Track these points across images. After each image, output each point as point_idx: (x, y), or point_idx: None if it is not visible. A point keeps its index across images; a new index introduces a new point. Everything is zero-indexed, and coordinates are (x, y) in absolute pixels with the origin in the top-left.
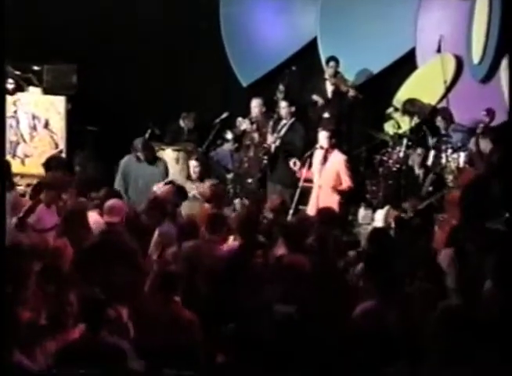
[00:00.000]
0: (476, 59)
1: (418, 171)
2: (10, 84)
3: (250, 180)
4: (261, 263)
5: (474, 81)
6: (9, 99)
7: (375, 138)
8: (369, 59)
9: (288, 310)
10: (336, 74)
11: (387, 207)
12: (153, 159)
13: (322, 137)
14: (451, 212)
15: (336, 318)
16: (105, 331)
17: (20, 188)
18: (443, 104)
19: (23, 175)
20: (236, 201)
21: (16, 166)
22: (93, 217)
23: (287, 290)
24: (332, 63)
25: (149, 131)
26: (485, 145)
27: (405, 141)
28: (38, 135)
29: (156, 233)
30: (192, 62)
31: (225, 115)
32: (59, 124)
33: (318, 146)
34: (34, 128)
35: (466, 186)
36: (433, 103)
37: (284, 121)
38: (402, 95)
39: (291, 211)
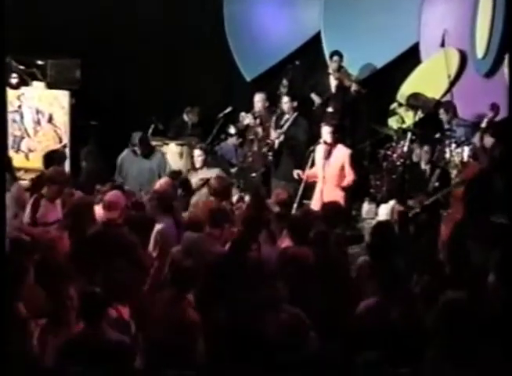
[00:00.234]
0: (480, 53)
1: (424, 166)
2: (14, 79)
3: (253, 174)
4: (256, 258)
5: (478, 75)
6: (13, 93)
7: (379, 132)
8: (373, 53)
9: (295, 311)
10: (339, 68)
11: (392, 202)
12: (149, 153)
13: (326, 132)
14: (455, 207)
15: (339, 313)
16: (105, 327)
17: (24, 182)
18: (447, 99)
19: (27, 170)
20: (237, 195)
21: (20, 160)
22: (98, 211)
23: (292, 283)
24: (336, 58)
25: (152, 125)
26: (489, 139)
27: (409, 135)
28: (42, 130)
29: (155, 230)
30: (195, 57)
31: (228, 110)
32: (62, 119)
33: (321, 140)
34: (38, 122)
35: (470, 180)
36: (437, 97)
37: (287, 116)
38: (405, 90)
39: (295, 206)
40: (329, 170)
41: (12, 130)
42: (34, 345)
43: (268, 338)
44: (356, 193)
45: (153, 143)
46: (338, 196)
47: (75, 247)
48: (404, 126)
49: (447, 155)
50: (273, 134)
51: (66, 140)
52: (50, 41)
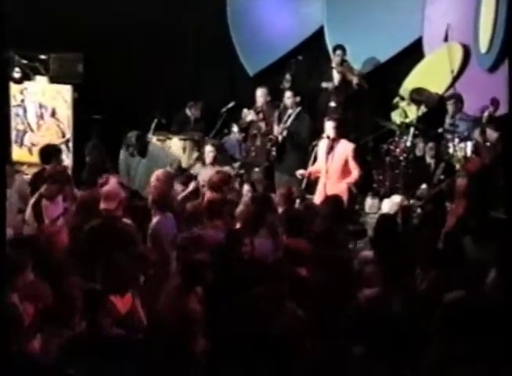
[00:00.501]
0: (483, 48)
1: (430, 160)
2: (17, 73)
3: (257, 169)
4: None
5: (482, 70)
6: (16, 87)
7: (382, 127)
8: (376, 47)
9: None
10: (342, 62)
11: (395, 197)
12: (145, 151)
13: (329, 127)
14: (457, 201)
15: (340, 308)
16: (105, 323)
17: (27, 177)
18: (449, 94)
19: (30, 164)
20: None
21: (23, 155)
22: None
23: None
24: (339, 52)
25: (155, 120)
26: (492, 133)
27: (412, 130)
28: (45, 124)
29: (151, 225)
30: (198, 51)
31: (231, 104)
32: (65, 113)
33: (324, 135)
34: (41, 116)
35: (472, 175)
36: (440, 92)
37: (290, 111)
38: (409, 85)
39: (298, 201)
40: (333, 165)
41: (16, 124)
42: (32, 343)
43: (270, 335)
44: (359, 187)
45: (156, 138)
46: (342, 190)
47: (74, 241)
48: (407, 121)
49: (450, 150)
50: (276, 129)
51: (69, 134)
52: (56, 31)
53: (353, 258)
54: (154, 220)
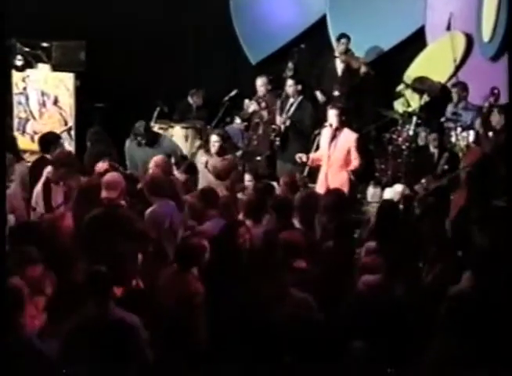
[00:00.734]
0: (486, 37)
1: (433, 149)
2: (19, 61)
3: (259, 158)
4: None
5: (484, 59)
6: (19, 75)
7: (384, 116)
8: (379, 36)
9: (303, 295)
10: (346, 51)
11: (397, 186)
12: (154, 141)
13: (332, 115)
14: (459, 192)
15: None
16: (113, 306)
17: (29, 165)
18: (453, 82)
19: (32, 152)
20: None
21: (25, 143)
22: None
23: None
24: (343, 40)
25: (158, 108)
26: (496, 119)
27: (414, 119)
28: (48, 112)
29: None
30: (201, 39)
31: (234, 93)
32: (68, 101)
33: (327, 124)
34: (44, 104)
35: (473, 165)
36: (443, 80)
37: (292, 100)
38: (411, 74)
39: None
40: (335, 153)
41: (18, 112)
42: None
43: (275, 324)
44: (361, 176)
45: (158, 126)
46: (343, 179)
47: (77, 229)
48: (409, 110)
49: (453, 139)
50: (279, 119)
51: (71, 122)
52: (58, 18)
53: (355, 248)
54: (153, 206)
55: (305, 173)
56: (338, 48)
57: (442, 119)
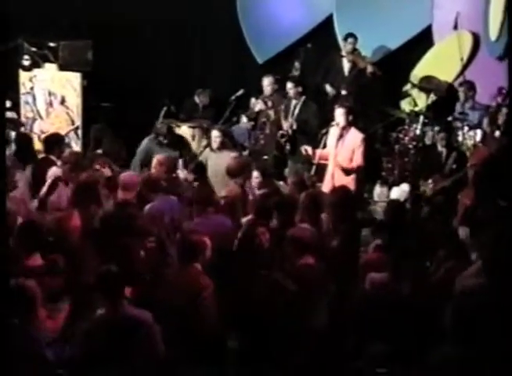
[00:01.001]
0: (493, 36)
1: (441, 148)
2: (26, 61)
3: (265, 157)
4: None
5: (491, 58)
6: (26, 75)
7: (391, 115)
8: (386, 36)
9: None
10: (354, 50)
11: (404, 185)
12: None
13: (339, 114)
14: (465, 191)
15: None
16: (125, 304)
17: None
18: (460, 81)
19: (39, 152)
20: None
21: None
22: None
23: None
24: (350, 40)
25: (164, 108)
26: (498, 123)
27: (421, 118)
28: (55, 112)
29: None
30: (207, 39)
31: (240, 92)
32: (75, 101)
33: (334, 123)
34: (51, 104)
35: (479, 164)
36: (450, 80)
37: (295, 102)
38: (418, 73)
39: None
40: (341, 153)
41: (25, 112)
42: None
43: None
44: (368, 176)
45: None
46: (349, 179)
47: (89, 228)
48: (416, 109)
49: (460, 138)
50: (285, 124)
51: (78, 122)
52: (62, 23)
53: (362, 247)
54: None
55: (312, 172)
56: (345, 47)
57: (449, 118)
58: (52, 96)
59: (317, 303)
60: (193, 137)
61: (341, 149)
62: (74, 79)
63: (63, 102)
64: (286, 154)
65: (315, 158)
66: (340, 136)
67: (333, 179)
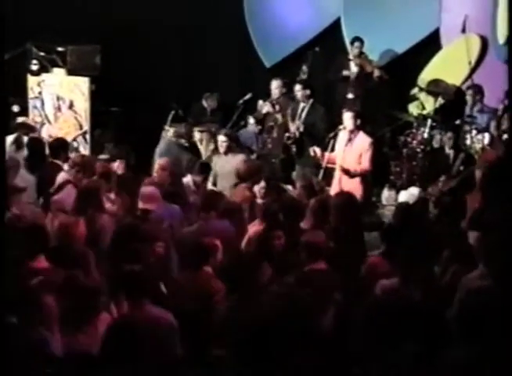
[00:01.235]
0: (501, 39)
1: (448, 150)
2: (35, 66)
3: (273, 160)
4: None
5: (499, 61)
6: (34, 80)
7: (399, 119)
8: (393, 39)
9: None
10: (360, 54)
11: (412, 189)
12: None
13: (347, 118)
14: (473, 194)
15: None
16: (149, 304)
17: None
18: (468, 85)
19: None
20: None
21: None
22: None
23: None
24: (357, 44)
25: (172, 112)
26: (506, 126)
27: (429, 122)
28: (63, 116)
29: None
30: (215, 42)
31: (248, 96)
32: (83, 106)
33: (342, 127)
34: (59, 109)
35: (487, 168)
36: (457, 83)
37: (302, 105)
38: (426, 76)
39: None
40: (349, 157)
41: (33, 116)
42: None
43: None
44: (376, 179)
45: (174, 129)
46: (357, 183)
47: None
48: (424, 112)
49: (468, 141)
50: (292, 126)
51: (86, 127)
52: (70, 27)
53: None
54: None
55: (320, 176)
56: (352, 51)
57: (458, 121)
58: (61, 101)
59: (327, 308)
60: (201, 141)
61: (349, 153)
62: (82, 84)
63: (71, 106)
64: (293, 157)
65: (324, 161)
66: (349, 140)
67: (340, 183)
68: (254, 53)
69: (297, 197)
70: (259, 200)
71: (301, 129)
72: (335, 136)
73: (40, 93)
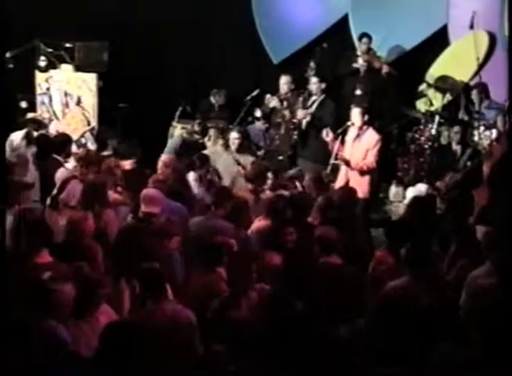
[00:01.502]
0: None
1: (455, 146)
2: (43, 62)
3: (280, 157)
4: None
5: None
6: (42, 76)
7: (407, 115)
8: (401, 35)
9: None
10: (368, 50)
11: (419, 185)
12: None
13: (355, 114)
14: (480, 190)
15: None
16: (168, 300)
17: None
18: (476, 81)
19: None
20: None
21: None
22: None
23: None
24: (365, 40)
25: (180, 108)
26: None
27: (437, 118)
28: (71, 113)
29: None
30: (222, 39)
31: (256, 92)
32: (91, 102)
33: (350, 123)
34: (67, 105)
35: (494, 163)
36: (465, 79)
37: (314, 97)
38: (434, 72)
39: None
40: (356, 153)
41: (41, 112)
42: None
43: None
44: (383, 175)
45: (181, 126)
46: (364, 179)
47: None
48: (432, 109)
49: (475, 137)
50: (300, 113)
51: (94, 123)
52: (78, 24)
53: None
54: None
55: (328, 170)
56: (360, 47)
57: (466, 118)
58: (68, 97)
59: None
60: (209, 137)
61: (357, 148)
62: (90, 80)
63: (78, 102)
64: (295, 147)
65: (334, 148)
66: (357, 136)
67: (347, 178)
68: (262, 49)
69: (306, 189)
70: (263, 196)
71: (308, 119)
72: (344, 132)
73: (48, 89)
